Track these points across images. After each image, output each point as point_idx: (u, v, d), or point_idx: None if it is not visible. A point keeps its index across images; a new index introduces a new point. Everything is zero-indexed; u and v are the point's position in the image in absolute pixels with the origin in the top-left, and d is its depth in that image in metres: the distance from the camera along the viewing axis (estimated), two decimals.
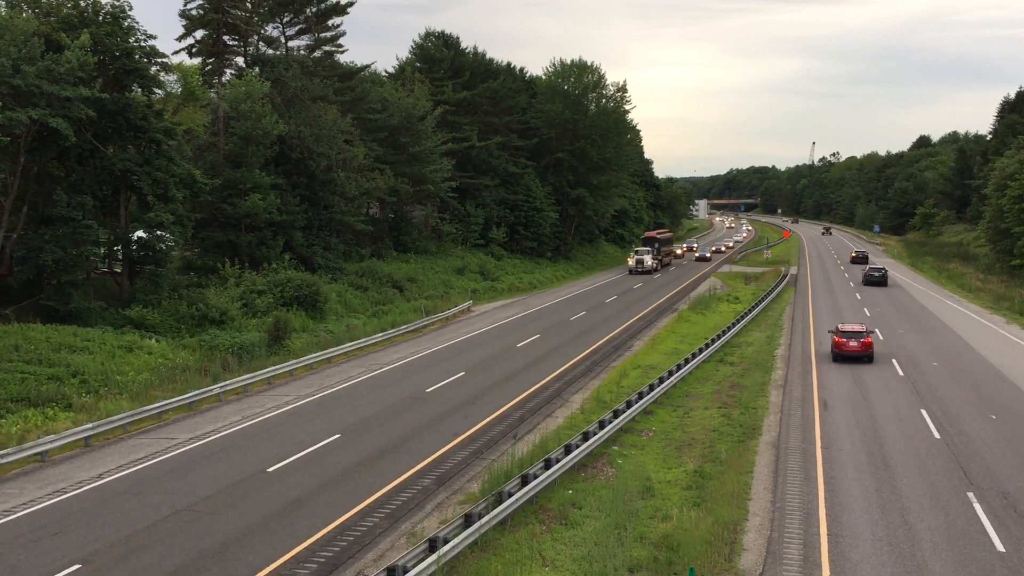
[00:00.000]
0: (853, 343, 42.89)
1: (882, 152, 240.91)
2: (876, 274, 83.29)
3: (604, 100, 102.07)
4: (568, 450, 25.85)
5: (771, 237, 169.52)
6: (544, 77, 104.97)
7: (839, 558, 19.76)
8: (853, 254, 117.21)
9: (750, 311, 59.60)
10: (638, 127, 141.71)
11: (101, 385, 34.40)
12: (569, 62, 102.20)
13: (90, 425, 29.38)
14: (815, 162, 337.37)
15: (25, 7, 45.46)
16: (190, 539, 20.93)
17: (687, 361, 40.52)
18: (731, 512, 22.37)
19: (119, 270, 49.28)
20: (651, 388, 34.54)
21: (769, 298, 68.39)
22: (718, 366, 42.55)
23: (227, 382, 36.52)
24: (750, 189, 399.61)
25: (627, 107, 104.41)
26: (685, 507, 22.95)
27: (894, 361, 43.57)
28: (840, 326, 45.08)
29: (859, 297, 73.38)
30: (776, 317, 60.42)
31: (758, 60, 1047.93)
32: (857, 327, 44.44)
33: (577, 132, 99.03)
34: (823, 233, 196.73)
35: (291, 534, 21.17)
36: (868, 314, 62.06)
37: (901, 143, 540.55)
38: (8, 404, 30.70)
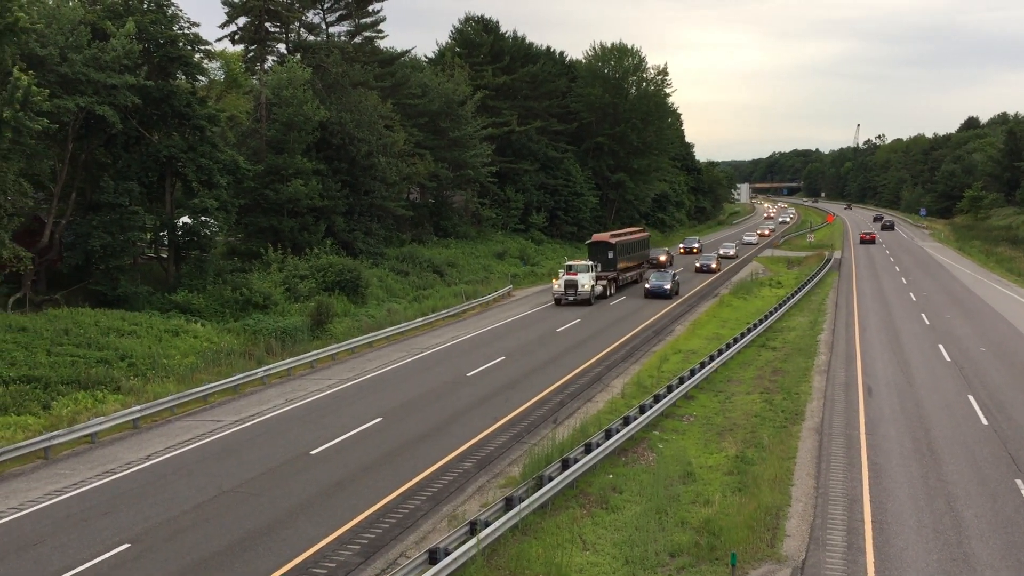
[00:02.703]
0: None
1: (928, 134, 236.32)
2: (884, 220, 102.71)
3: (645, 83, 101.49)
4: (609, 435, 25.84)
5: (814, 221, 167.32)
6: (584, 61, 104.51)
7: (884, 544, 19.57)
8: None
9: (793, 296, 58.99)
10: (679, 110, 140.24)
11: (148, 368, 34.98)
12: (609, 45, 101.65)
13: (138, 407, 29.93)
14: (860, 145, 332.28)
15: None
16: (236, 519, 21.28)
17: (728, 346, 40.23)
18: (773, 498, 22.23)
19: (165, 255, 50.00)
20: (692, 373, 34.38)
21: (812, 283, 67.60)
22: (760, 351, 42.21)
23: (271, 366, 36.98)
24: (793, 172, 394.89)
25: (668, 90, 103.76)
26: (727, 492, 22.84)
27: (941, 346, 42.91)
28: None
29: (904, 281, 72.32)
30: (819, 302, 59.73)
31: (800, 42, 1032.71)
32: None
33: (617, 116, 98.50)
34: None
35: (334, 515, 21.43)
36: (914, 299, 61.19)
37: (948, 125, 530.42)
38: (59, 387, 31.32)
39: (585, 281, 57.45)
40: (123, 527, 20.74)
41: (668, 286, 61.62)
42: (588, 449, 24.46)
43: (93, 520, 21.23)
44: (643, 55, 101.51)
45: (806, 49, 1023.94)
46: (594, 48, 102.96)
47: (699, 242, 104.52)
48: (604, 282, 60.51)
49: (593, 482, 23.52)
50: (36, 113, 34.55)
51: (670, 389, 31.59)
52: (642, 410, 28.60)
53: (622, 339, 45.69)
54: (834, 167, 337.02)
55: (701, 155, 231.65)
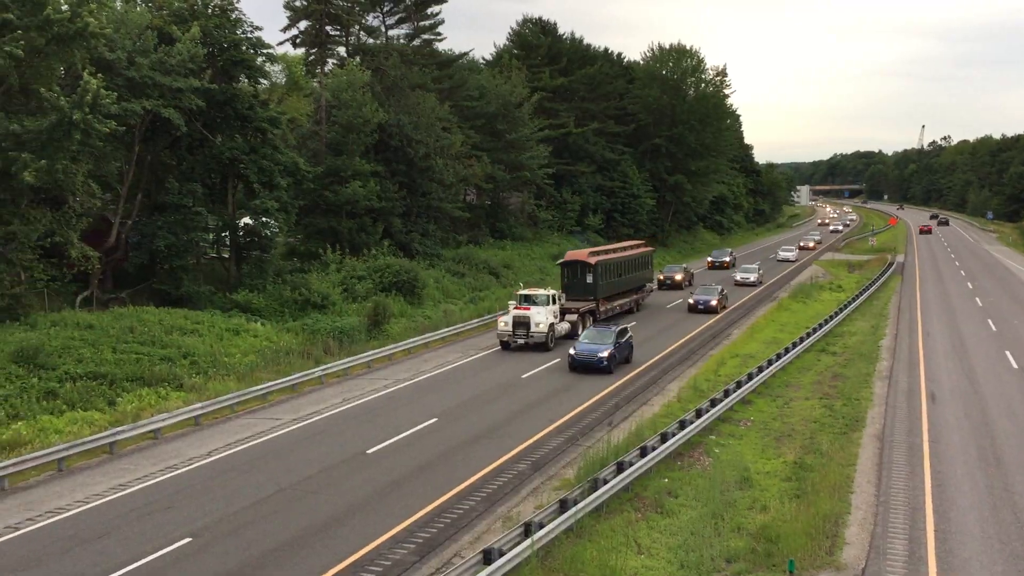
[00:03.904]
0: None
1: (996, 136, 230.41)
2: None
3: (703, 85, 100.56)
4: (664, 438, 25.66)
5: (876, 224, 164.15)
6: (642, 62, 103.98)
7: (947, 555, 19.14)
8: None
9: (854, 300, 57.97)
10: (738, 112, 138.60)
11: (210, 366, 35.63)
12: (668, 47, 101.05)
13: (200, 405, 30.52)
14: (924, 146, 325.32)
15: (139, 1, 47.28)
16: (294, 516, 21.57)
17: (787, 350, 39.69)
18: (832, 505, 21.86)
19: (227, 255, 50.93)
20: (749, 377, 33.98)
21: (874, 287, 66.37)
22: (820, 356, 41.56)
23: (328, 365, 37.43)
24: (855, 175, 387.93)
25: (727, 91, 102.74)
26: (784, 499, 22.53)
27: (1008, 353, 41.82)
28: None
29: (970, 286, 70.62)
30: (881, 306, 58.62)
31: (863, 42, 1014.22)
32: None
33: (675, 117, 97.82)
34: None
35: (390, 514, 21.60)
36: (980, 304, 59.73)
37: (1018, 126, 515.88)
38: (124, 383, 32.06)
39: (541, 318, 42.63)
40: (185, 521, 21.16)
41: (714, 301, 55.20)
42: (643, 452, 24.32)
43: (156, 514, 21.69)
44: (702, 56, 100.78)
45: (869, 49, 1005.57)
46: (652, 49, 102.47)
47: (731, 254, 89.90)
48: (575, 316, 45.87)
49: (648, 486, 23.38)
50: (104, 116, 35.45)
51: (727, 393, 31.27)
52: (698, 414, 28.35)
53: (678, 342, 45.37)
54: (897, 169, 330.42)
55: (760, 157, 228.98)
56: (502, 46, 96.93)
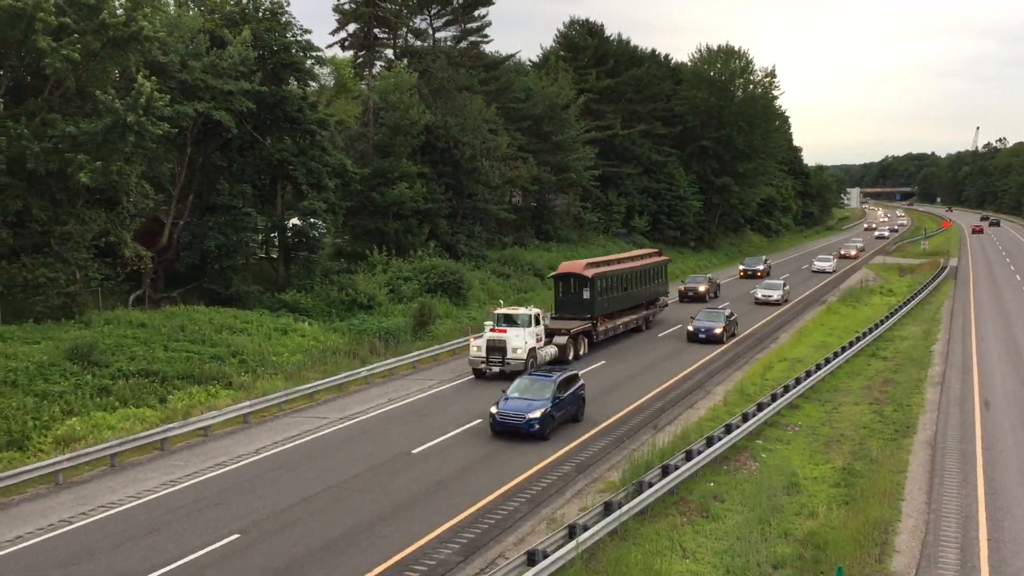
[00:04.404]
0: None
1: None
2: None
3: (751, 86, 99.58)
4: (710, 442, 25.46)
5: (929, 227, 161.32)
6: (689, 63, 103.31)
7: (1000, 564, 18.74)
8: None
9: (905, 304, 57.00)
10: (787, 113, 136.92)
11: (258, 365, 36.08)
12: (716, 48, 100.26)
13: (248, 403, 30.93)
14: (979, 148, 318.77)
15: (191, 5, 48.06)
16: (340, 514, 21.76)
17: (836, 355, 39.17)
18: (882, 512, 21.51)
19: (275, 256, 51.56)
20: (797, 382, 33.59)
21: (926, 291, 65.20)
22: (870, 361, 40.92)
23: (374, 365, 37.71)
24: (906, 177, 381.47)
25: (775, 93, 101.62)
26: (833, 505, 22.23)
27: None
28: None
29: None
30: (934, 311, 57.56)
31: (915, 42, 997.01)
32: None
33: (723, 119, 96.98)
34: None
35: (435, 514, 21.70)
36: None
37: None
38: (175, 381, 32.59)
39: (519, 342, 36.83)
40: (233, 518, 21.45)
41: (719, 328, 45.51)
42: (689, 456, 24.15)
43: (205, 510, 22.02)
44: (750, 57, 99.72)
45: (921, 49, 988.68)
46: (700, 50, 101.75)
47: (766, 262, 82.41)
48: (564, 339, 40.24)
49: (694, 489, 23.21)
50: (158, 118, 36.11)
51: (774, 397, 30.95)
52: (745, 418, 28.10)
53: (724, 346, 44.94)
54: (951, 171, 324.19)
55: (809, 159, 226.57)
56: (549, 48, 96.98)
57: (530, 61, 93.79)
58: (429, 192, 58.58)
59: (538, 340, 38.25)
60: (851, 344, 41.77)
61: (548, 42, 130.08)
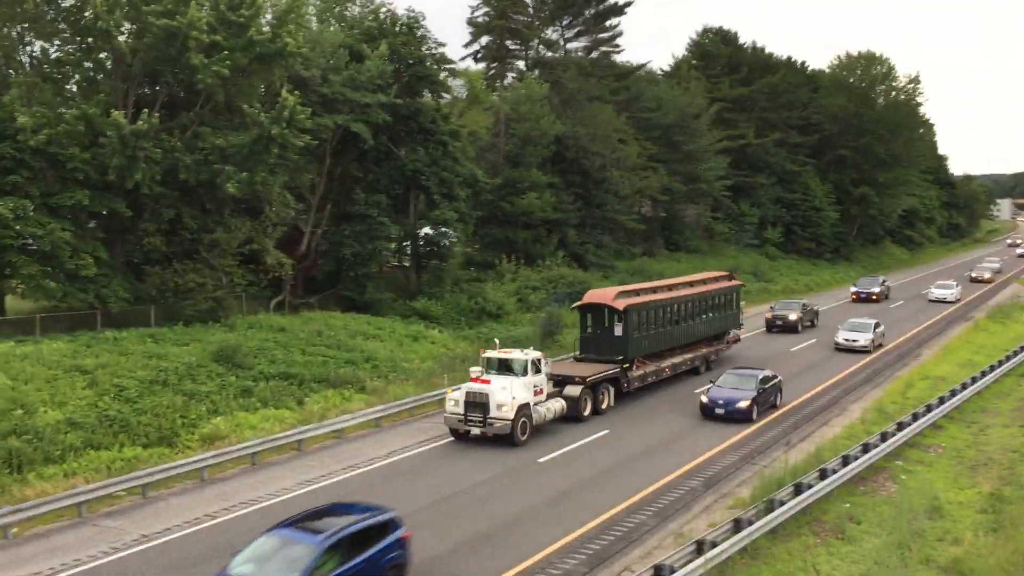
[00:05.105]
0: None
1: None
2: None
3: (894, 93, 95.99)
4: (846, 461, 24.63)
5: None
6: (828, 70, 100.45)
7: None
8: None
9: None
10: (931, 120, 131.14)
11: (390, 371, 36.95)
12: (856, 54, 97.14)
13: (381, 407, 31.74)
14: None
15: (333, 21, 49.84)
16: (467, 520, 22.05)
17: (984, 374, 37.24)
18: None
19: (407, 264, 52.78)
20: (941, 401, 32.12)
21: None
22: (1021, 381, 38.72)
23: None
24: None
25: (919, 99, 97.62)
26: (979, 532, 21.12)
27: None
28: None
29: None
30: None
31: None
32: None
33: (862, 127, 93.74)
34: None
35: (559, 524, 21.71)
36: None
37: None
38: (311, 384, 33.73)
39: (504, 397, 28.50)
40: None
41: (744, 403, 31.74)
42: (823, 475, 23.42)
43: None
44: (892, 63, 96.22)
45: None
46: (839, 57, 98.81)
47: (884, 282, 71.56)
48: (579, 388, 31.77)
49: (828, 510, 22.48)
50: (299, 131, 37.63)
51: (915, 417, 29.70)
52: (883, 438, 27.06)
53: (860, 363, 43.36)
54: None
55: (956, 168, 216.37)
56: (681, 56, 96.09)
57: (661, 70, 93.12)
58: (558, 202, 58.85)
59: (536, 392, 29.74)
60: (1000, 363, 39.63)
61: (680, 51, 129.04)
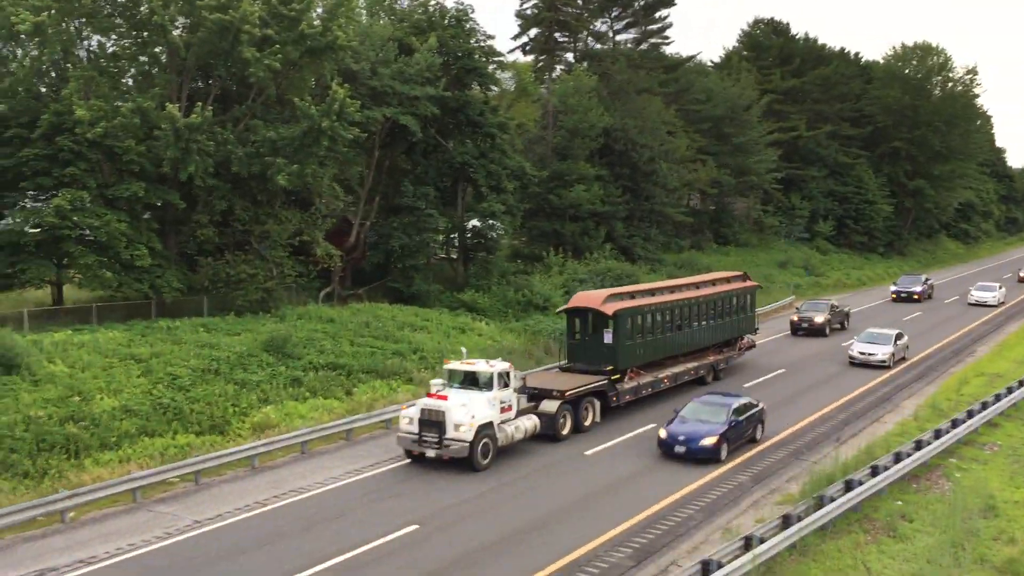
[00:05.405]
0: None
1: None
2: None
3: (950, 84, 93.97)
4: (898, 458, 24.25)
5: None
6: (882, 61, 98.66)
7: None
8: None
9: None
10: (989, 112, 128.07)
11: (437, 362, 37.06)
12: (912, 44, 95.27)
13: None
14: None
15: (382, 15, 50.10)
16: (513, 511, 22.12)
17: None
18: None
19: (455, 256, 52.96)
20: (997, 398, 31.46)
21: None
22: None
23: (549, 366, 37.94)
24: None
25: (977, 91, 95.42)
26: None
27: None
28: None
29: None
30: None
31: None
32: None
33: (917, 119, 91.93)
34: None
35: (605, 517, 21.68)
36: None
37: None
38: (359, 374, 33.99)
39: (463, 416, 25.30)
40: (411, 509, 22.20)
41: (710, 440, 26.16)
42: (875, 472, 23.09)
43: (386, 500, 22.90)
44: (949, 54, 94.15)
45: None
46: (894, 48, 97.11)
47: (927, 282, 66.45)
48: (556, 404, 28.48)
49: (879, 507, 22.15)
50: (349, 123, 37.90)
51: (971, 414, 29.14)
52: (937, 435, 26.59)
53: (912, 359, 42.58)
54: None
55: (1015, 161, 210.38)
56: (731, 48, 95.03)
57: (711, 62, 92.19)
58: (606, 194, 58.60)
59: (504, 409, 26.52)
60: None
61: (731, 42, 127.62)
